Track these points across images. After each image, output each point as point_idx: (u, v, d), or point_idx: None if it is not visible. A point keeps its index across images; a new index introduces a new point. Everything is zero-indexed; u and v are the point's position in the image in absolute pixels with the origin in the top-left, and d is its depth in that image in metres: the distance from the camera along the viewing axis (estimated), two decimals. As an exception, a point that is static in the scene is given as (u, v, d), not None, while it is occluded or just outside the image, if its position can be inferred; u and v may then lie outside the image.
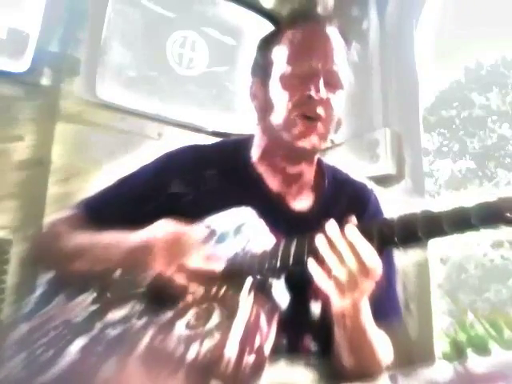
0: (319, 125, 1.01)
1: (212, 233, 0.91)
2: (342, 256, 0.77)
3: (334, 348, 0.93)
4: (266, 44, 1.10)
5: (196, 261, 0.86)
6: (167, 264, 0.86)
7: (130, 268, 0.92)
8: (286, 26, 1.10)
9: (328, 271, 0.78)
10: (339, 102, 1.05)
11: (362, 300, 0.82)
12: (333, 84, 1.03)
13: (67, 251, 1.01)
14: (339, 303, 0.81)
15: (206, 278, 0.86)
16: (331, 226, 0.79)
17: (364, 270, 0.77)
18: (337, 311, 0.84)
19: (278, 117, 1.03)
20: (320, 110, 1.00)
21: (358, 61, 1.12)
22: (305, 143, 1.01)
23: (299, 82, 1.01)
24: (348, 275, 0.77)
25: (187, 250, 0.87)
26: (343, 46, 1.07)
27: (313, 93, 0.99)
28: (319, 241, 0.79)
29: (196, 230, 0.90)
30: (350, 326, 0.85)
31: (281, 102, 1.02)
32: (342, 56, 1.05)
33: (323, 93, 1.00)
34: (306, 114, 1.00)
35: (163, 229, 0.91)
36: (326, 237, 0.79)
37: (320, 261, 0.79)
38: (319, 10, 1.89)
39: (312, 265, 0.79)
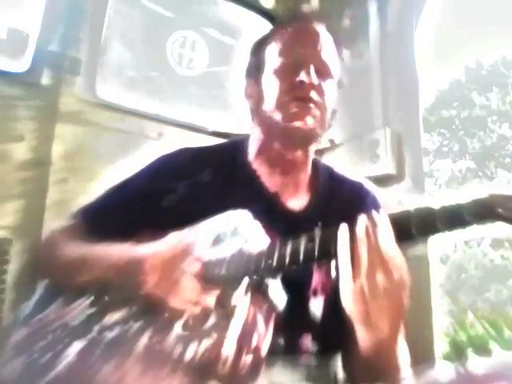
0: (313, 106, 1.02)
1: (207, 243, 0.91)
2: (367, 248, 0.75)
3: (348, 350, 0.91)
4: (259, 46, 1.13)
5: (190, 292, 0.84)
6: (159, 285, 0.85)
7: (123, 283, 0.91)
8: (278, 27, 1.14)
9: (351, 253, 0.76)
10: (331, 90, 1.06)
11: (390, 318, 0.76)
12: (323, 72, 1.05)
13: (65, 263, 1.00)
14: (348, 286, 0.76)
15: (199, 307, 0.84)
16: (363, 219, 0.78)
17: (381, 259, 0.74)
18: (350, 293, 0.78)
19: (270, 103, 1.04)
20: (313, 94, 1.02)
21: (356, 62, 1.13)
22: (300, 124, 1.01)
23: (290, 70, 1.03)
24: (368, 262, 0.74)
25: (182, 272, 0.85)
26: (332, 42, 1.09)
27: (304, 77, 1.01)
28: (359, 230, 0.77)
29: (191, 246, 0.89)
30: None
31: (273, 90, 1.04)
32: (330, 48, 1.08)
33: (314, 78, 1.02)
34: (299, 97, 1.02)
35: (159, 247, 0.89)
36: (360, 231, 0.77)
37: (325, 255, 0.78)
38: (305, 9, 1.89)
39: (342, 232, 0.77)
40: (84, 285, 0.97)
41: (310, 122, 1.01)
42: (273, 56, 1.07)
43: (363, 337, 0.79)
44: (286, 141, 1.06)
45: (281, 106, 1.02)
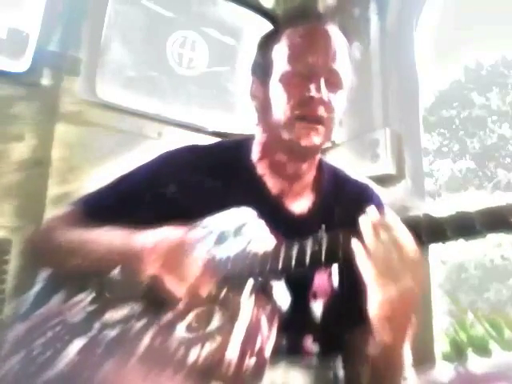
0: (319, 126, 1.00)
1: (209, 241, 0.91)
2: (381, 240, 0.74)
3: (353, 353, 0.91)
4: (266, 43, 1.08)
5: (190, 274, 0.84)
6: (161, 272, 0.85)
7: (125, 268, 0.91)
8: (286, 24, 1.08)
9: (368, 253, 0.75)
10: (340, 102, 1.03)
11: (403, 311, 0.77)
12: (334, 83, 1.01)
13: (64, 248, 1.00)
14: (376, 294, 0.76)
15: (197, 292, 0.84)
16: (373, 209, 0.78)
17: (402, 257, 0.73)
18: (376, 305, 0.78)
19: (278, 116, 1.01)
20: (321, 111, 0.99)
21: (359, 59, 1.10)
22: (306, 142, 0.99)
23: (300, 82, 1.00)
24: (387, 260, 0.74)
25: (183, 259, 0.85)
26: (345, 43, 1.05)
27: (314, 93, 0.98)
28: (362, 222, 0.76)
29: (194, 239, 0.89)
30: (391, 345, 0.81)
31: (281, 101, 1.01)
32: (343, 54, 1.03)
33: (324, 93, 0.98)
34: (307, 115, 0.99)
35: (160, 236, 0.89)
36: (369, 219, 0.76)
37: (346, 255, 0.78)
38: (320, 7, 1.88)
39: (357, 246, 0.76)
40: (83, 271, 0.96)
41: (315, 140, 1.00)
42: (281, 60, 1.03)
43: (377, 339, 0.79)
44: (290, 154, 1.05)
45: (287, 122, 1.00)
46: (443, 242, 0.73)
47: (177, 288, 0.84)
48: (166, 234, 0.89)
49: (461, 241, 0.71)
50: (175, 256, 0.86)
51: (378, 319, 0.78)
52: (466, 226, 0.69)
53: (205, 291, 0.84)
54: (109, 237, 0.96)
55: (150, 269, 0.86)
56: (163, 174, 1.07)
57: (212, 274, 0.86)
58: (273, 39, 1.07)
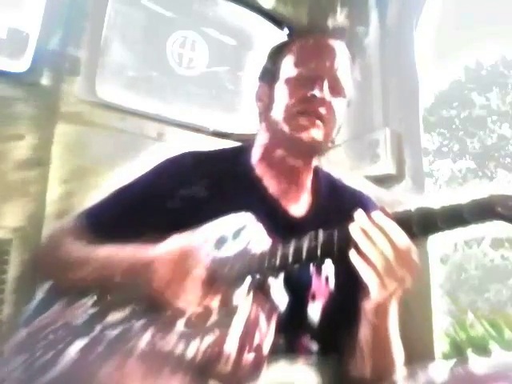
0: (320, 121, 1.03)
1: (209, 245, 0.91)
2: (375, 243, 0.76)
3: (350, 351, 0.93)
4: (277, 53, 1.13)
5: (194, 292, 0.85)
6: (167, 286, 0.85)
7: (131, 283, 0.91)
8: (297, 38, 1.15)
9: (366, 261, 0.77)
10: (341, 108, 1.07)
11: (397, 295, 0.82)
12: (336, 89, 1.05)
13: (68, 263, 1.01)
14: (378, 295, 0.80)
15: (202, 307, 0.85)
16: (360, 214, 0.79)
17: (398, 254, 0.76)
18: (374, 304, 0.83)
19: (279, 111, 1.05)
20: (322, 110, 1.03)
21: (360, 77, 1.15)
22: (305, 135, 1.02)
23: (303, 83, 1.04)
24: (385, 262, 0.76)
25: (189, 274, 0.86)
26: (349, 59, 1.10)
27: (316, 92, 1.02)
28: (353, 230, 0.78)
29: (200, 253, 0.89)
30: (378, 323, 0.86)
31: (284, 98, 1.05)
32: (346, 67, 1.08)
33: (326, 94, 1.03)
34: (308, 110, 1.03)
35: (167, 249, 0.89)
36: (359, 225, 0.78)
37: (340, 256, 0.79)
38: (329, 23, 1.90)
39: (353, 255, 0.78)
40: (88, 285, 0.97)
41: (315, 134, 1.03)
42: (289, 66, 1.08)
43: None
44: (290, 149, 1.07)
45: (289, 117, 1.04)
46: (434, 233, 0.75)
47: (184, 303, 0.84)
48: (172, 247, 0.89)
49: (453, 232, 0.73)
50: (180, 271, 0.86)
51: (373, 307, 0.83)
52: (455, 216, 0.71)
53: (209, 301, 0.84)
54: (117, 252, 0.96)
55: (158, 281, 0.86)
56: (164, 181, 1.08)
57: (215, 284, 0.86)
58: (284, 50, 1.12)
